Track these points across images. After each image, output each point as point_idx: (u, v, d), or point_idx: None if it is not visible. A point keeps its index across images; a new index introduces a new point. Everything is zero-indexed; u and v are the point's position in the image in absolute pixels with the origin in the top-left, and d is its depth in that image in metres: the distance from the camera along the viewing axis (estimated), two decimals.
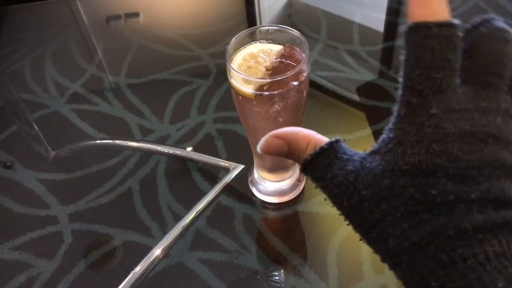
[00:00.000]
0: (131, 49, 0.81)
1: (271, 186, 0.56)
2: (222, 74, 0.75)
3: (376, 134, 0.63)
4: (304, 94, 0.44)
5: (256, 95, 0.42)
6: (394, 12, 0.85)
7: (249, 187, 0.58)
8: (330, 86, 0.71)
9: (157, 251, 0.51)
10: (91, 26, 0.87)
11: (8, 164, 0.64)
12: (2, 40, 0.85)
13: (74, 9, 0.90)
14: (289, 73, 0.41)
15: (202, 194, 0.58)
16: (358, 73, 0.73)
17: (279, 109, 0.43)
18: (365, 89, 0.70)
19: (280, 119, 0.45)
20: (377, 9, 0.87)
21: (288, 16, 0.88)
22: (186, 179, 0.61)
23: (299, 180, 0.57)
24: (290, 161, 0.54)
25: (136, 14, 0.90)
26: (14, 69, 0.79)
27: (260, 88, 0.42)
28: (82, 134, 0.67)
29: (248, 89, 0.42)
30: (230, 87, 0.45)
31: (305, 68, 0.42)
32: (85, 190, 0.60)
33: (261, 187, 0.57)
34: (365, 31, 0.81)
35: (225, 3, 0.93)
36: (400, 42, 0.78)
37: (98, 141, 0.66)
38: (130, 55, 0.80)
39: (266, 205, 0.57)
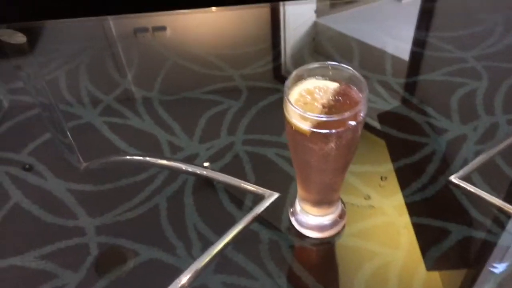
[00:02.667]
0: (163, 65, 0.82)
1: (312, 220, 0.55)
2: (253, 96, 0.75)
3: (404, 169, 0.63)
4: (359, 133, 0.45)
5: (312, 132, 0.42)
6: (423, 44, 0.85)
7: (279, 214, 0.58)
8: None
9: (183, 279, 0.51)
10: (121, 40, 0.89)
11: (27, 166, 0.65)
12: (40, 50, 0.88)
13: (105, 25, 0.92)
14: (348, 114, 0.41)
15: (229, 216, 0.58)
16: (389, 104, 0.73)
17: (333, 147, 0.43)
18: (395, 121, 0.70)
19: (333, 157, 0.45)
20: (408, 41, 0.87)
21: (312, 40, 0.89)
22: (214, 200, 0.61)
23: (340, 216, 0.56)
24: (335, 197, 0.54)
25: (163, 28, 0.92)
26: (50, 78, 0.80)
27: (317, 125, 0.42)
28: (113, 146, 0.68)
29: (304, 126, 0.42)
30: (285, 120, 0.45)
31: (362, 108, 0.43)
32: (113, 204, 0.61)
33: (302, 220, 0.56)
34: (397, 62, 0.82)
35: (251, 26, 0.94)
36: (430, 76, 0.78)
37: (128, 157, 0.66)
38: (162, 71, 0.81)
39: (302, 238, 0.57)
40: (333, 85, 0.46)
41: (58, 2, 1.07)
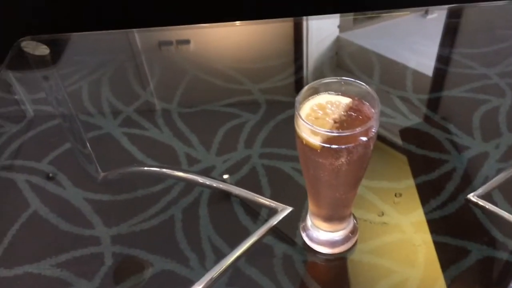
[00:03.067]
0: (183, 78, 0.83)
1: (323, 235, 0.55)
2: (271, 110, 0.75)
3: (423, 186, 0.62)
4: (371, 149, 0.44)
5: (322, 147, 0.42)
6: (446, 60, 0.84)
7: (292, 228, 0.58)
8: (381, 131, 0.70)
9: None
10: (145, 53, 0.91)
11: (50, 175, 0.66)
12: (64, 61, 0.90)
13: (130, 37, 0.94)
14: (359, 129, 0.41)
15: (243, 230, 0.58)
16: (409, 120, 0.72)
17: (344, 162, 0.43)
18: (415, 137, 0.69)
19: (344, 172, 0.44)
20: (431, 57, 0.86)
21: (335, 55, 0.89)
22: (228, 213, 0.61)
23: (352, 232, 0.55)
24: (346, 213, 0.53)
25: (187, 42, 0.93)
26: (72, 89, 0.82)
27: (327, 140, 0.42)
28: (131, 157, 0.69)
29: (315, 141, 0.42)
30: (295, 135, 0.45)
31: (374, 124, 0.42)
32: (129, 214, 0.61)
33: (313, 235, 0.55)
34: (418, 78, 0.81)
35: (274, 40, 0.95)
36: (452, 92, 0.77)
37: (146, 168, 0.67)
38: (182, 84, 0.82)
39: (313, 253, 0.56)
40: (346, 100, 0.46)
41: (85, 15, 1.11)
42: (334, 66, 0.86)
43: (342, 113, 0.44)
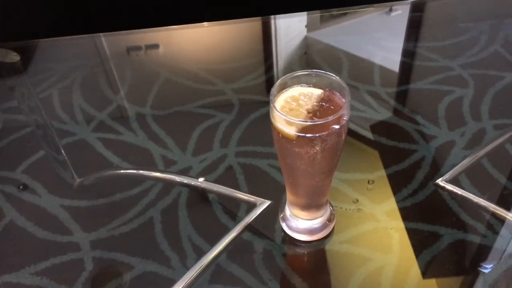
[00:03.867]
0: (155, 81, 0.83)
1: (302, 224, 0.56)
2: (245, 108, 0.76)
3: (395, 175, 0.64)
4: (343, 137, 0.46)
5: (298, 136, 0.44)
6: (411, 54, 0.87)
7: (271, 222, 0.59)
8: (351, 125, 0.72)
9: None
10: (114, 58, 0.91)
11: (21, 187, 0.66)
12: (34, 68, 0.89)
13: (98, 42, 0.93)
14: (331, 117, 0.43)
15: (223, 227, 0.59)
16: (378, 114, 0.74)
17: (319, 150, 0.44)
18: (385, 129, 0.71)
19: (319, 160, 0.46)
20: (397, 52, 0.89)
21: (304, 54, 0.91)
22: (208, 211, 0.61)
23: (329, 220, 0.57)
24: (323, 200, 0.55)
25: (156, 46, 0.93)
26: (44, 96, 0.81)
27: (302, 130, 0.43)
28: (107, 162, 0.69)
29: (290, 131, 0.44)
30: (271, 127, 0.47)
31: (345, 113, 0.44)
32: (108, 218, 0.61)
33: (292, 224, 0.57)
34: (385, 72, 0.83)
35: (243, 40, 0.96)
36: (418, 85, 0.79)
37: (122, 171, 0.67)
38: (154, 87, 0.82)
39: (293, 242, 0.57)
40: (317, 92, 0.47)
41: (51, 20, 1.09)
42: (303, 65, 0.88)
43: (315, 103, 0.46)
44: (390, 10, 0.98)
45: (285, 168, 0.51)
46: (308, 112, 0.45)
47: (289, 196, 0.56)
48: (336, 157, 0.48)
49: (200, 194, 0.65)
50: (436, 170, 0.64)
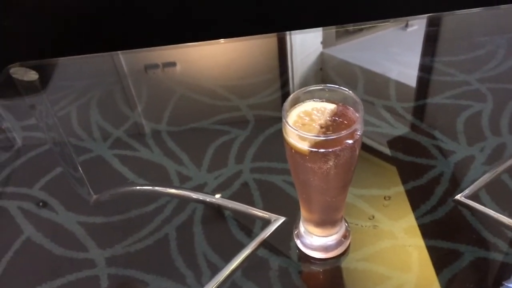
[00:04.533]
0: (171, 98, 0.84)
1: (317, 241, 0.56)
2: (260, 124, 0.76)
3: (413, 191, 0.63)
4: (357, 152, 0.46)
5: (310, 151, 0.43)
6: (427, 69, 0.86)
7: (286, 238, 0.58)
8: (368, 141, 0.71)
9: None
10: (131, 75, 0.92)
11: (40, 204, 0.66)
12: (52, 86, 0.90)
13: (116, 60, 0.95)
14: (344, 132, 0.42)
15: (238, 243, 0.58)
16: (395, 129, 0.73)
17: (332, 166, 0.44)
18: (402, 144, 0.70)
19: (332, 176, 0.45)
20: (413, 67, 0.88)
21: (319, 70, 0.91)
22: (223, 228, 0.61)
23: (344, 237, 0.56)
24: (338, 216, 0.54)
25: (173, 64, 0.94)
26: (62, 113, 0.83)
27: (315, 145, 0.43)
28: (123, 178, 0.69)
29: (303, 146, 0.43)
30: (284, 142, 0.46)
31: (359, 128, 0.44)
32: (123, 235, 0.61)
33: (306, 241, 0.56)
34: (401, 87, 0.83)
35: (260, 56, 0.97)
36: (435, 100, 0.78)
37: (138, 187, 0.67)
38: (170, 103, 0.83)
39: (308, 260, 0.56)
40: (330, 106, 0.47)
41: (69, 39, 1.12)
42: (319, 81, 0.88)
43: (328, 118, 0.46)
44: (406, 25, 0.98)
45: (299, 184, 0.51)
46: (321, 127, 0.45)
47: (303, 212, 0.55)
48: (350, 172, 0.48)
49: (215, 211, 0.64)
50: (455, 186, 0.63)
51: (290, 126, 0.44)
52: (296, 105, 0.48)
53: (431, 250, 0.56)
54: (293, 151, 0.45)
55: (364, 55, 0.93)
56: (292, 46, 0.96)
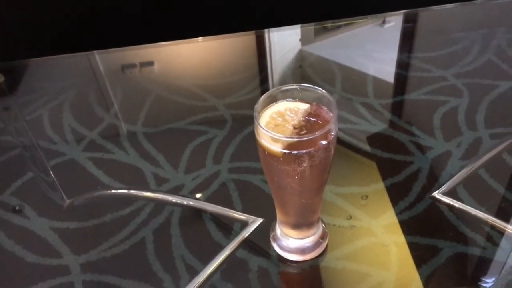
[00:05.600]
0: (148, 98, 0.83)
1: (293, 243, 0.55)
2: (238, 124, 0.75)
3: (391, 188, 0.63)
4: (332, 152, 0.45)
5: (284, 153, 0.42)
6: (405, 65, 0.86)
7: (264, 239, 0.57)
8: (346, 138, 0.71)
9: None
10: (108, 76, 0.90)
11: (17, 208, 0.64)
12: (23, 89, 0.88)
13: (92, 60, 0.93)
14: (318, 133, 0.41)
15: (217, 245, 0.57)
16: (373, 125, 0.73)
17: (307, 167, 0.43)
18: (380, 141, 0.70)
19: (307, 177, 0.44)
20: (391, 63, 0.88)
21: (298, 67, 0.90)
22: (201, 230, 0.60)
23: (322, 238, 0.56)
24: (314, 218, 0.53)
25: (151, 63, 0.92)
26: (33, 117, 0.80)
27: (288, 146, 0.42)
28: (97, 182, 0.67)
29: (276, 148, 0.42)
30: (257, 144, 0.45)
31: (333, 128, 0.43)
32: (98, 240, 0.60)
33: (283, 244, 0.55)
34: (379, 84, 0.83)
35: (238, 54, 0.96)
36: (412, 96, 0.79)
37: (113, 191, 0.66)
38: (146, 104, 0.81)
39: (287, 262, 0.56)
40: (304, 106, 0.46)
41: (43, 39, 1.08)
42: (298, 78, 0.87)
43: (301, 118, 0.45)
44: (384, 22, 0.98)
45: (273, 186, 0.50)
46: (295, 128, 0.44)
47: (279, 215, 0.54)
48: (325, 173, 0.47)
49: (193, 213, 0.63)
50: (433, 181, 0.63)
51: (262, 127, 0.43)
52: (269, 106, 0.47)
53: (410, 246, 0.56)
54: (266, 153, 0.44)
55: (342, 52, 0.92)
56: (270, 44, 0.95)
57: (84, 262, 0.57)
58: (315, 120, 0.45)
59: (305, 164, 0.43)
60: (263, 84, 0.86)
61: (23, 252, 0.59)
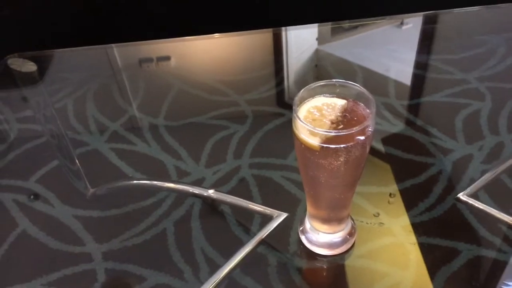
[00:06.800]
0: (168, 92, 0.83)
1: (323, 237, 0.55)
2: (258, 120, 0.76)
3: (411, 189, 0.63)
4: (367, 149, 0.45)
5: (321, 147, 0.43)
6: (426, 67, 0.86)
7: (287, 235, 0.58)
8: None
9: None
10: (126, 69, 0.91)
11: (32, 196, 0.66)
12: (49, 78, 0.89)
13: (110, 53, 0.94)
14: (356, 128, 0.42)
15: (236, 239, 0.58)
16: (394, 126, 0.73)
17: (343, 162, 0.44)
18: (401, 142, 0.70)
19: (342, 172, 0.45)
20: (411, 64, 0.88)
21: (314, 66, 0.91)
22: (221, 223, 0.61)
23: (350, 234, 0.56)
24: (345, 213, 0.54)
25: (167, 58, 0.93)
26: (58, 106, 0.82)
27: (326, 141, 0.43)
28: (120, 172, 0.68)
29: (313, 141, 0.43)
30: (293, 137, 0.46)
31: (370, 124, 0.44)
32: (120, 229, 0.61)
33: (312, 238, 0.56)
34: (399, 85, 0.82)
35: (254, 51, 0.96)
36: (433, 98, 0.78)
37: (135, 181, 0.67)
38: (168, 98, 0.82)
39: (312, 256, 0.56)
40: (341, 102, 0.47)
41: (65, 31, 1.10)
42: (314, 77, 0.88)
43: (338, 114, 0.46)
44: (401, 23, 0.98)
45: (307, 180, 0.50)
46: (332, 123, 0.45)
47: (309, 209, 0.55)
48: (360, 169, 0.48)
49: (213, 206, 0.64)
50: (453, 184, 0.63)
51: (301, 120, 0.44)
52: (306, 100, 0.47)
53: (429, 247, 0.56)
54: (303, 146, 0.44)
55: (359, 51, 0.92)
56: (287, 42, 0.96)
57: (106, 251, 0.58)
58: (352, 116, 0.45)
59: (341, 159, 0.44)
60: (281, 82, 0.86)
61: (47, 239, 0.60)
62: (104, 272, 0.56)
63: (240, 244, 0.57)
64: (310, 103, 0.47)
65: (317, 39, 0.96)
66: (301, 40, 0.98)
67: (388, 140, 0.71)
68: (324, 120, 0.45)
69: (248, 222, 0.60)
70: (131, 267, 0.57)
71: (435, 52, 0.90)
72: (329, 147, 0.43)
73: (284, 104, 0.81)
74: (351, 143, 0.43)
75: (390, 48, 0.94)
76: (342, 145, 0.43)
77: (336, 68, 0.89)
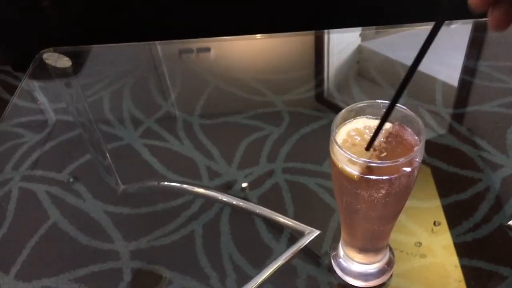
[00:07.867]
0: (205, 88, 0.82)
1: (357, 268, 0.51)
2: (295, 122, 0.73)
3: (455, 206, 0.59)
4: (414, 180, 0.40)
5: (360, 177, 0.38)
6: (476, 74, 0.81)
7: (320, 253, 0.55)
8: None
9: None
10: (166, 63, 0.90)
11: (71, 179, 0.65)
12: (85, 72, 0.89)
13: (152, 48, 0.93)
14: (403, 159, 0.37)
15: (266, 248, 0.56)
16: (439, 136, 0.69)
17: (384, 194, 0.39)
18: (445, 154, 0.66)
19: (383, 204, 0.41)
20: (460, 69, 0.83)
21: (356, 63, 0.87)
22: (250, 230, 0.59)
23: (388, 264, 0.52)
24: (383, 244, 0.50)
25: (207, 49, 0.92)
26: (93, 99, 0.82)
27: (367, 170, 0.38)
28: (152, 170, 0.68)
29: (352, 170, 0.39)
30: (330, 162, 0.42)
31: (419, 154, 0.39)
32: (149, 228, 0.60)
33: (345, 266, 0.52)
34: (447, 90, 0.78)
35: (295, 50, 0.93)
36: (484, 107, 0.73)
37: (166, 183, 0.66)
38: (204, 95, 0.81)
39: (345, 286, 0.52)
40: (386, 125, 0.41)
41: (104, 27, 1.11)
42: (356, 75, 0.84)
43: (382, 139, 0.41)
44: (449, 24, 0.93)
45: (343, 208, 0.45)
46: (374, 150, 0.40)
47: (344, 235, 0.50)
48: (403, 200, 0.43)
49: (244, 211, 0.62)
50: (502, 203, 0.59)
51: (339, 146, 0.39)
52: (345, 122, 0.42)
53: (471, 270, 0.52)
54: (340, 173, 0.40)
55: (403, 50, 0.87)
56: (329, 39, 0.93)
57: (134, 249, 0.58)
58: (398, 142, 0.40)
59: (383, 191, 0.39)
60: (321, 82, 0.83)
61: (76, 233, 0.60)
62: (130, 272, 0.55)
63: (269, 254, 0.55)
64: (350, 125, 0.42)
65: (360, 35, 0.92)
66: (344, 36, 0.94)
67: (432, 150, 0.67)
68: (365, 145, 0.40)
69: (279, 231, 0.58)
70: (158, 268, 0.56)
71: (485, 57, 0.85)
72: (370, 178, 0.38)
73: (323, 105, 0.78)
74: (396, 175, 0.38)
75: (439, 50, 0.89)
76: (385, 177, 0.38)
77: (378, 66, 0.85)
